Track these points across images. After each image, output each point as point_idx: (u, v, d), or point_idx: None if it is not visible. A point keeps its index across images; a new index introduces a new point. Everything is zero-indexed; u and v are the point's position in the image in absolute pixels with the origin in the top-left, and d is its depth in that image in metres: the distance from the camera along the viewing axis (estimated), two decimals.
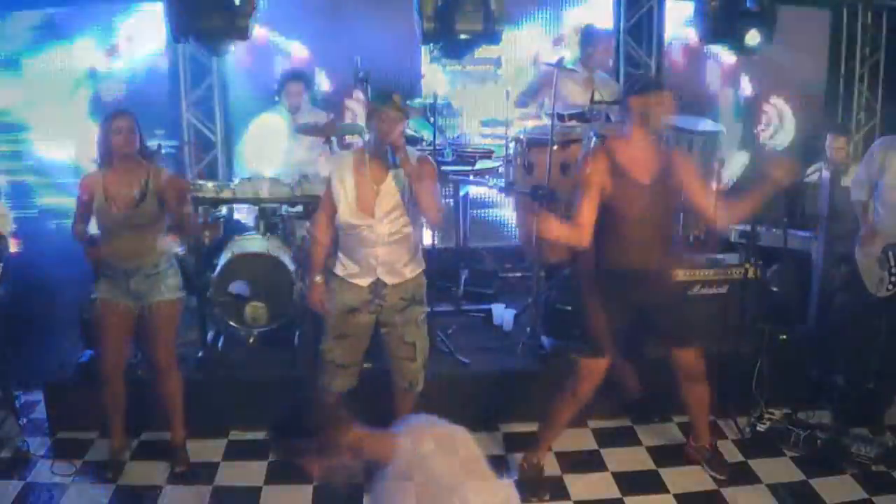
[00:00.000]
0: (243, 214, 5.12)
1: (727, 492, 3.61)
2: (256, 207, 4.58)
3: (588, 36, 5.34)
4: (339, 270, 3.48)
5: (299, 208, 4.53)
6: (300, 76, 5.13)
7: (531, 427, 4.15)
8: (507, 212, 5.36)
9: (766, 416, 4.07)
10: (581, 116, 4.86)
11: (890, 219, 4.03)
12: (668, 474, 3.80)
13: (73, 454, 3.87)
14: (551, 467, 3.85)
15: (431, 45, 5.00)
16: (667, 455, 3.95)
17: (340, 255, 3.49)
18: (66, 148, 5.77)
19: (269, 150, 5.30)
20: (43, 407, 4.18)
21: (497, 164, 5.05)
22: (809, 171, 5.31)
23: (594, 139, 4.91)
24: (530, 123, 5.28)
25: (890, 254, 3.97)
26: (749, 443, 4.00)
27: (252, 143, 5.38)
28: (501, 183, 5.07)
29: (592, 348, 3.45)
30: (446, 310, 4.95)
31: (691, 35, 5.68)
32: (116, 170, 3.51)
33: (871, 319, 4.14)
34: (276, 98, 5.23)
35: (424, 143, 5.03)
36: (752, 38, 5.07)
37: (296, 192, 4.39)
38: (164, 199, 3.53)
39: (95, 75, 5.77)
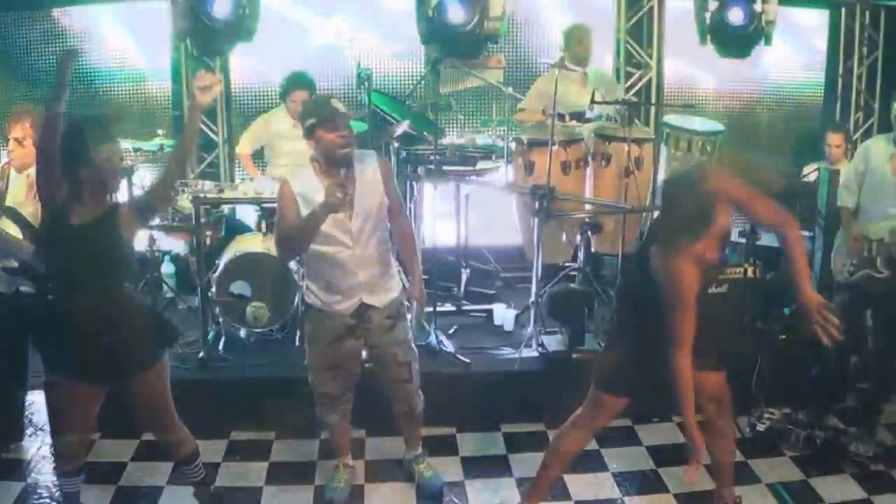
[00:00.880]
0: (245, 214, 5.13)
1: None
2: (258, 207, 4.60)
3: (566, 33, 5.34)
4: (315, 301, 3.26)
5: None
6: (307, 84, 5.10)
7: (532, 427, 4.18)
8: (507, 212, 5.36)
9: (766, 415, 4.08)
10: (581, 116, 4.87)
11: (873, 210, 4.03)
12: (669, 474, 3.81)
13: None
14: None
15: (432, 45, 5.01)
16: (667, 455, 3.96)
17: (313, 285, 3.25)
18: None
19: (270, 150, 5.31)
20: (44, 407, 4.18)
21: (497, 164, 5.06)
22: (809, 170, 5.33)
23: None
24: (530, 122, 5.27)
25: (875, 244, 3.97)
26: (749, 442, 4.00)
27: (253, 142, 5.38)
28: (502, 183, 5.08)
29: (611, 383, 3.05)
30: (447, 310, 4.95)
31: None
32: None
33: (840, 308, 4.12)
34: (281, 102, 5.23)
35: (425, 143, 5.03)
36: None
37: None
38: None
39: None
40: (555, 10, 6.04)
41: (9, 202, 3.59)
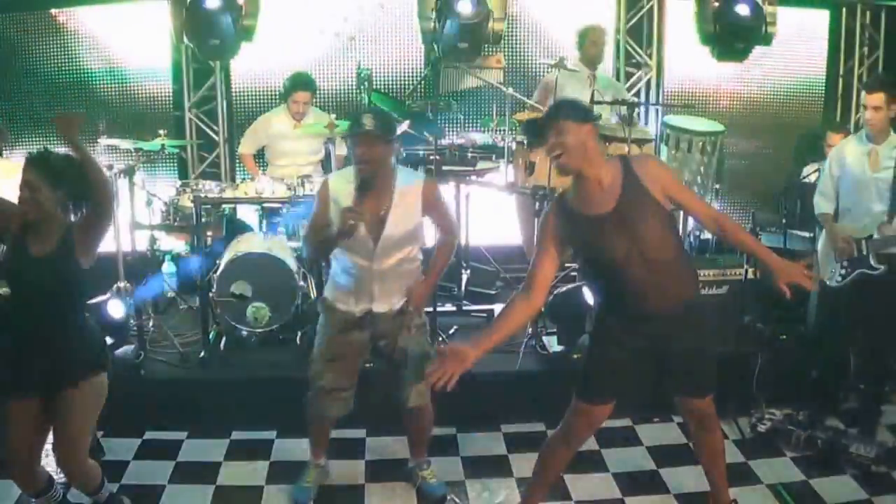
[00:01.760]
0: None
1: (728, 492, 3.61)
2: (259, 207, 4.60)
3: (580, 34, 5.35)
4: (329, 294, 3.31)
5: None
6: (308, 85, 5.10)
7: (532, 427, 4.18)
8: (508, 212, 5.36)
9: (767, 416, 4.08)
10: None
11: (856, 210, 4.03)
12: (669, 474, 3.81)
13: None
14: None
15: (433, 45, 5.02)
16: (667, 455, 3.96)
17: (331, 278, 3.30)
18: None
19: (270, 150, 5.31)
20: None
21: (497, 164, 5.06)
22: (809, 171, 5.33)
23: None
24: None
25: (864, 243, 3.97)
26: (750, 443, 4.00)
27: (255, 142, 5.38)
28: (502, 183, 5.08)
29: (590, 393, 3.01)
30: (448, 310, 4.95)
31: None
32: None
33: (830, 311, 4.16)
34: (282, 102, 5.23)
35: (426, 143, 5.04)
36: None
37: (298, 192, 4.40)
38: None
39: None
40: (555, 11, 6.04)
41: None
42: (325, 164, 5.10)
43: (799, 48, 6.40)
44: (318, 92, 5.33)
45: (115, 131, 5.24)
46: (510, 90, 5.16)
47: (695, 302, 2.94)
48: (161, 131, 4.92)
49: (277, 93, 5.31)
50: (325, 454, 3.67)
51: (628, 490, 3.68)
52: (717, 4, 5.35)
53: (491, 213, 5.73)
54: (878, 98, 3.88)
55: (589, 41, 5.29)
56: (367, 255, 3.14)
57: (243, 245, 4.50)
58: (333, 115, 4.48)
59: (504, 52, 5.84)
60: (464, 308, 5.06)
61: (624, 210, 2.72)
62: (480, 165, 4.96)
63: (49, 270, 2.83)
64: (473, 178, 4.96)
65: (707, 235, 5.46)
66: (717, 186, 5.10)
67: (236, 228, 4.85)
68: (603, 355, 2.96)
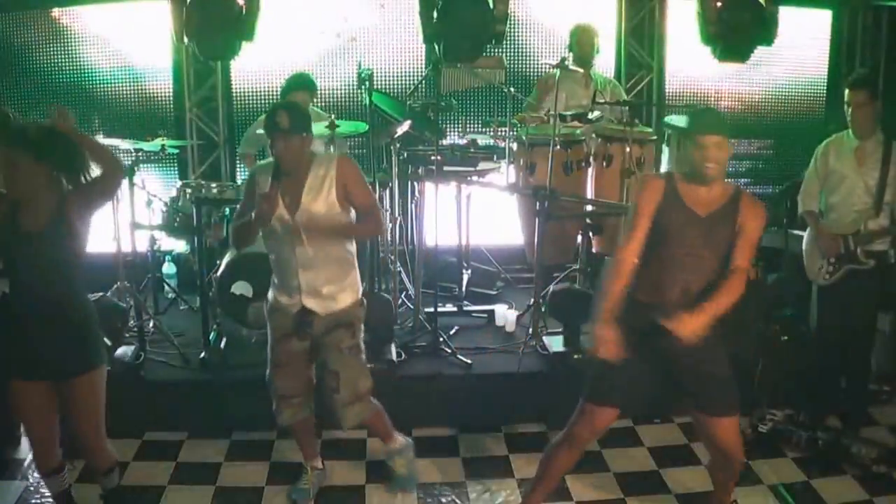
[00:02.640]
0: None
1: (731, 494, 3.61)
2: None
3: (570, 34, 5.35)
4: (270, 295, 3.34)
5: None
6: (307, 85, 5.09)
7: (533, 428, 4.18)
8: (509, 212, 5.36)
9: (768, 416, 4.08)
10: (583, 117, 4.86)
11: (843, 207, 4.03)
12: (670, 475, 3.81)
13: (74, 455, 3.87)
14: None
15: (434, 45, 5.01)
16: (668, 455, 3.96)
17: (273, 278, 3.34)
18: None
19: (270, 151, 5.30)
20: None
21: (499, 164, 5.06)
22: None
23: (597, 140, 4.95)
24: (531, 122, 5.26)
25: (850, 239, 3.97)
26: (751, 444, 3.99)
27: (255, 142, 5.38)
28: (503, 183, 5.07)
29: (598, 394, 3.04)
30: (448, 310, 4.95)
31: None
32: None
33: (822, 308, 4.17)
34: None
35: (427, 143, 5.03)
36: None
37: None
38: None
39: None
40: (556, 11, 6.03)
41: None
42: None
43: (801, 49, 6.39)
44: (318, 92, 5.32)
45: (116, 131, 5.25)
46: (511, 90, 5.16)
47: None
48: (161, 131, 4.91)
49: (277, 93, 5.30)
50: (318, 456, 3.68)
51: (629, 490, 3.68)
52: (718, 5, 5.34)
53: (492, 214, 5.72)
54: (862, 95, 3.89)
55: (575, 42, 5.29)
56: (287, 237, 3.15)
57: None
58: (333, 115, 4.47)
59: (505, 52, 5.84)
60: (464, 308, 5.06)
61: (713, 222, 2.92)
62: (481, 166, 4.95)
63: (43, 245, 2.77)
64: (474, 178, 4.95)
65: None
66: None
67: None
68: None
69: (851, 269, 3.96)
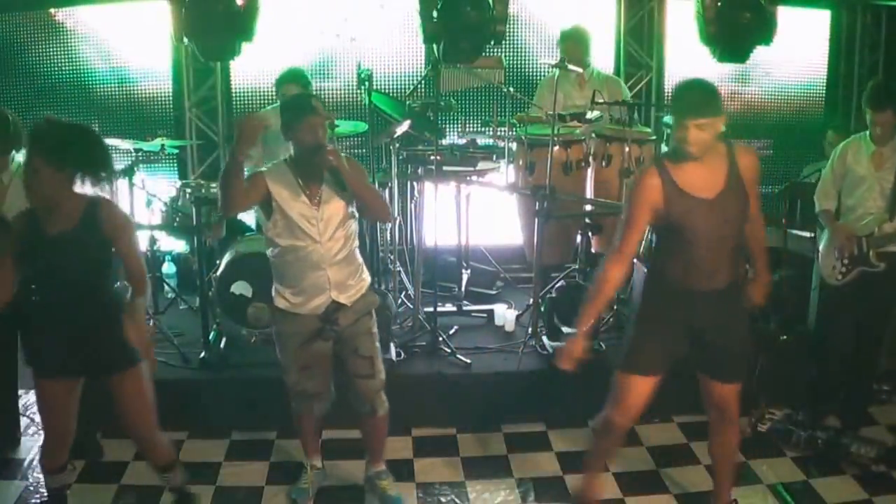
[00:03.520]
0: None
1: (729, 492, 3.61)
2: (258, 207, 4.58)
3: (560, 35, 5.35)
4: (282, 304, 3.25)
5: None
6: (297, 78, 5.09)
7: (533, 428, 4.19)
8: (508, 212, 5.36)
9: (767, 416, 4.08)
10: (582, 117, 4.87)
11: (858, 209, 4.03)
12: (669, 474, 3.81)
13: (74, 454, 3.87)
14: (552, 467, 3.88)
15: (433, 45, 5.01)
16: (667, 455, 3.96)
17: (283, 288, 3.24)
18: None
19: (266, 150, 5.30)
20: None
21: (498, 164, 5.06)
22: (809, 171, 5.33)
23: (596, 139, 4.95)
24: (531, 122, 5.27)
25: (864, 240, 3.97)
26: (750, 443, 4.00)
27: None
28: (503, 183, 5.08)
29: (633, 365, 3.06)
30: (448, 310, 4.95)
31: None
32: None
33: (833, 309, 4.16)
34: (276, 99, 5.22)
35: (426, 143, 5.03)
36: None
37: None
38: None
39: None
40: (556, 11, 6.04)
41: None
42: None
43: (800, 49, 6.39)
44: (317, 92, 5.32)
45: (115, 131, 5.24)
46: (511, 90, 5.16)
47: (737, 282, 3.03)
48: (160, 131, 4.91)
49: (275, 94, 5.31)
50: (319, 456, 3.68)
51: (629, 490, 3.68)
52: (718, 5, 5.34)
53: (491, 213, 5.72)
54: (887, 115, 3.87)
55: (563, 49, 5.29)
56: (312, 231, 3.13)
57: (243, 245, 4.50)
58: (332, 114, 4.47)
59: (504, 52, 5.84)
60: (464, 308, 5.06)
61: (725, 200, 2.86)
62: (481, 165, 4.95)
63: (68, 250, 2.74)
64: (474, 178, 4.95)
65: None
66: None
67: (236, 228, 4.85)
68: (651, 329, 3.04)
69: (862, 270, 3.96)
